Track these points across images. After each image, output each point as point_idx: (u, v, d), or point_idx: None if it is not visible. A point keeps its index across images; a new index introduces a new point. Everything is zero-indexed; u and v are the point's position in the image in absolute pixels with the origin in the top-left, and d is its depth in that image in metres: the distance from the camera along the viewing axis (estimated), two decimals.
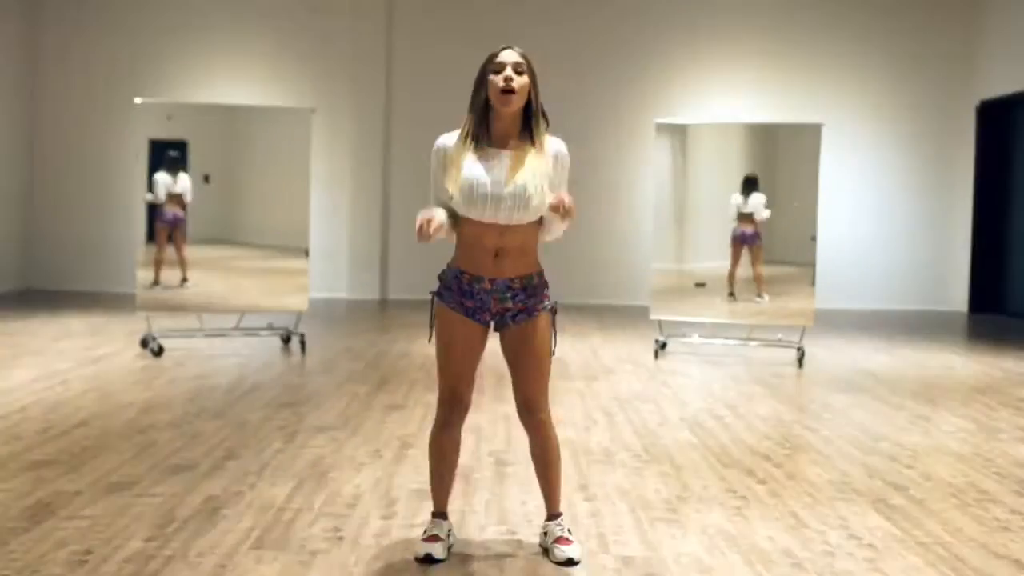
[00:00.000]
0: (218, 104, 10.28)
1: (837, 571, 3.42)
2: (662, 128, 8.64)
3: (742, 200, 8.39)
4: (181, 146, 8.52)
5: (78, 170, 12.46)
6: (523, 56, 3.35)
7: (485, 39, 12.57)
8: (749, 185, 8.38)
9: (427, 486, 3.77)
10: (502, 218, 3.30)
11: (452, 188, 3.31)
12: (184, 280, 8.33)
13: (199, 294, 8.38)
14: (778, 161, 8.76)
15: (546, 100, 3.43)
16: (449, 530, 3.55)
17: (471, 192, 3.27)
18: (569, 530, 3.57)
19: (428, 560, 3.39)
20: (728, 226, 8.47)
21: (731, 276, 8.52)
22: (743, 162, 8.68)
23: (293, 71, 12.42)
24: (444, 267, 3.46)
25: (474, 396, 6.11)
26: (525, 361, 3.43)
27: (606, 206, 12.31)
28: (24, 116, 12.36)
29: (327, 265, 12.04)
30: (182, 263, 8.32)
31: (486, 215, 3.29)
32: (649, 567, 3.43)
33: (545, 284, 3.48)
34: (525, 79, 3.31)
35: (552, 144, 3.41)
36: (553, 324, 3.48)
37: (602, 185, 12.34)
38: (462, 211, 3.33)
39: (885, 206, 12.50)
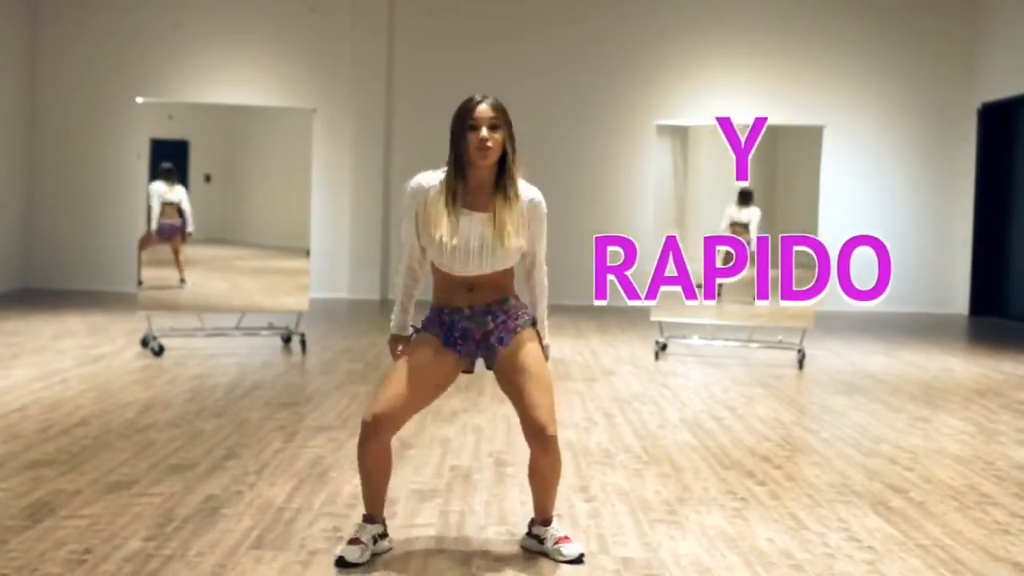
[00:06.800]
0: (219, 104, 10.29)
1: (837, 573, 3.42)
2: (663, 130, 8.64)
3: (736, 211, 8.37)
4: (182, 146, 8.52)
5: (79, 170, 12.46)
6: (496, 108, 3.30)
7: (485, 40, 12.67)
8: (745, 198, 8.36)
9: (427, 486, 3.79)
10: (472, 272, 3.34)
11: (424, 241, 3.34)
12: (182, 281, 8.33)
13: (200, 294, 8.37)
14: (779, 163, 8.75)
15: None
16: (376, 536, 3.42)
17: (442, 251, 3.30)
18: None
19: (340, 564, 3.30)
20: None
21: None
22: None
23: (294, 71, 12.42)
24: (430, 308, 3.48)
25: (474, 396, 6.15)
26: (523, 381, 3.36)
27: (606, 207, 12.31)
28: (25, 115, 12.35)
29: (328, 265, 12.04)
30: (179, 265, 8.32)
31: (456, 269, 3.33)
32: (649, 568, 3.43)
33: (523, 305, 3.49)
34: (500, 134, 3.28)
35: (527, 193, 3.38)
36: (542, 345, 3.46)
37: (602, 186, 12.33)
38: (435, 261, 3.36)
39: (886, 208, 12.49)
